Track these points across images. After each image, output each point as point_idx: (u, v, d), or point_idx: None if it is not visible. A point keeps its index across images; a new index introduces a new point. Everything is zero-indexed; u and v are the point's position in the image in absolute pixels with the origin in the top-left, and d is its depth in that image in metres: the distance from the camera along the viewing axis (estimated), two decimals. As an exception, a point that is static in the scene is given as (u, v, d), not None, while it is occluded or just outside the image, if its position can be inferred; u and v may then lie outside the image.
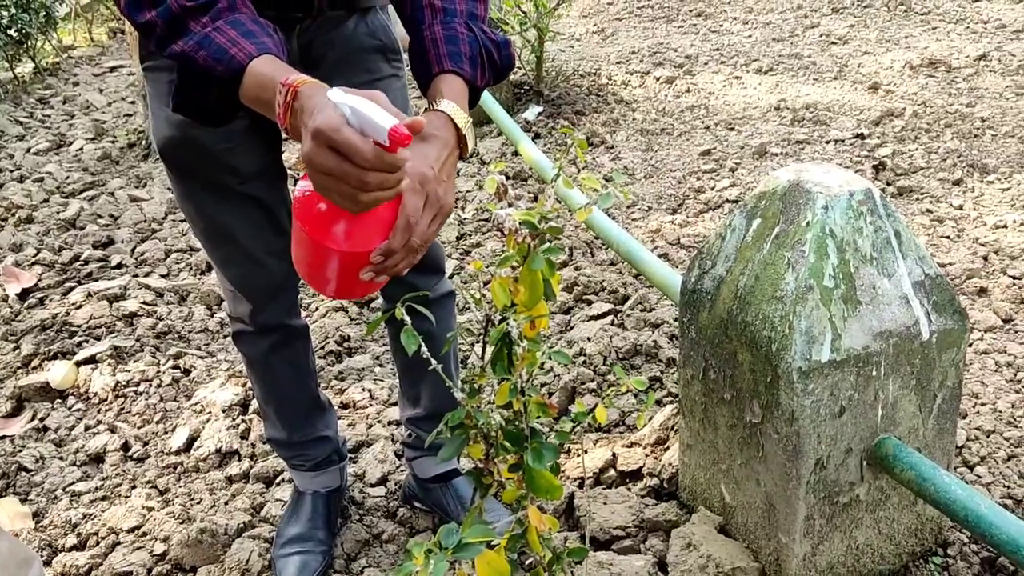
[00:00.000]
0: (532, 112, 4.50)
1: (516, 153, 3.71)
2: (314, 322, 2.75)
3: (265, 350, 1.70)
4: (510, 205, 0.90)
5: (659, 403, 2.23)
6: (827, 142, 3.79)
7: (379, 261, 1.10)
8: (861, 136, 3.80)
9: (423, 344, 1.03)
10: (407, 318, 1.02)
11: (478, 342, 0.96)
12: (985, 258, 2.74)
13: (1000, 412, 2.04)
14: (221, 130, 1.37)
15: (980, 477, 1.85)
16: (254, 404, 2.30)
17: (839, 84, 4.56)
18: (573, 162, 0.94)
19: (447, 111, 1.19)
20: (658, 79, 4.89)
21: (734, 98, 4.53)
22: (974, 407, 2.06)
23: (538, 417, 0.97)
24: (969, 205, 3.13)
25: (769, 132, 3.99)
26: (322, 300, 2.88)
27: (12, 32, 5.61)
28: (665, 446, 2.03)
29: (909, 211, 3.13)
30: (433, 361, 1.03)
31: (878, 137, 3.79)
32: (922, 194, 3.25)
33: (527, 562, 1.19)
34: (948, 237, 2.91)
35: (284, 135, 1.15)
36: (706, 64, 5.12)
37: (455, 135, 1.19)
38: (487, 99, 3.96)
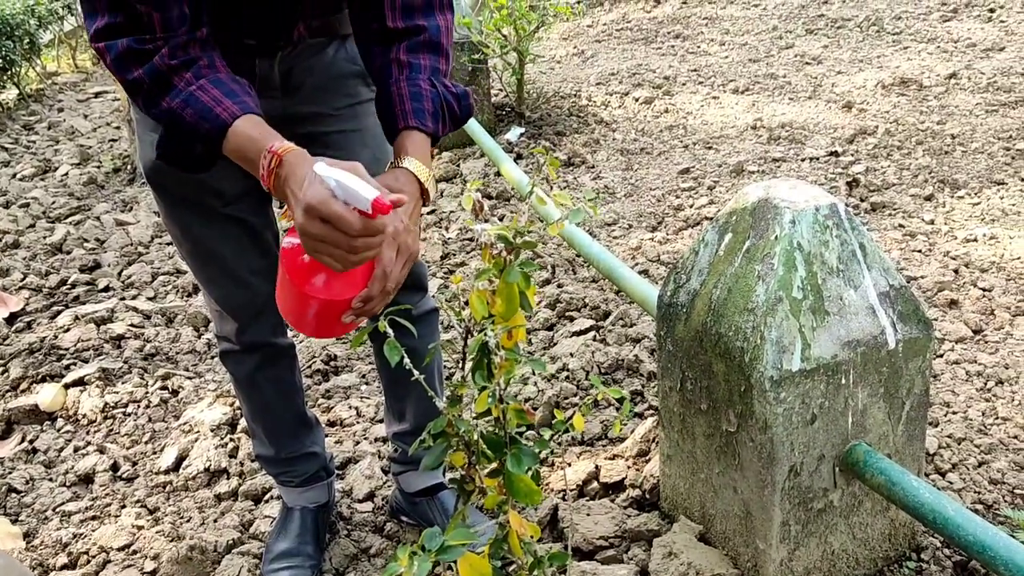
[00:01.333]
0: (514, 133, 4.57)
1: (498, 174, 3.77)
2: (300, 341, 2.79)
3: (251, 368, 1.73)
4: (486, 221, 0.95)
5: (640, 416, 2.28)
6: (802, 160, 3.87)
7: (359, 307, 1.25)
8: (835, 154, 3.89)
9: (406, 356, 1.08)
10: (390, 331, 1.06)
11: (459, 353, 1.01)
12: (956, 271, 2.81)
13: (971, 420, 2.10)
14: None
15: (952, 483, 1.90)
16: (242, 423, 2.33)
17: (814, 103, 4.66)
18: (546, 179, 0.98)
19: (411, 168, 1.33)
20: (637, 100, 4.98)
21: (712, 118, 4.62)
22: (945, 415, 2.12)
23: (518, 426, 1.02)
24: (940, 220, 3.21)
25: (746, 151, 4.07)
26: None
27: (-3, 59, 5.65)
28: (646, 458, 2.07)
29: (882, 226, 3.21)
30: (416, 372, 1.08)
31: (852, 154, 3.88)
32: (895, 209, 3.33)
33: (510, 568, 1.23)
34: (920, 251, 2.99)
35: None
36: (684, 84, 5.21)
37: (419, 189, 1.33)
38: (470, 122, 4.02)
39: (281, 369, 1.77)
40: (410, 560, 0.92)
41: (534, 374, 2.50)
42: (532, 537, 1.14)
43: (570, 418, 1.15)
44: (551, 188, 1.02)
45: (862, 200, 3.43)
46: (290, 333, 1.85)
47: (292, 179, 1.18)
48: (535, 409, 2.36)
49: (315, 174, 1.14)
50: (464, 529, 0.98)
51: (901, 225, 3.19)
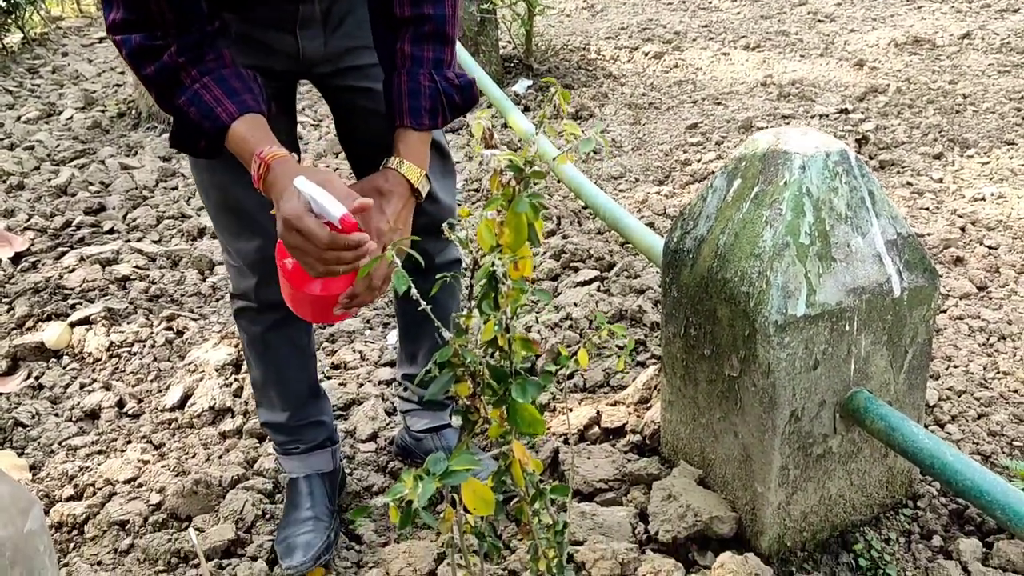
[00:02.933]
0: (522, 85, 4.53)
1: (506, 125, 3.75)
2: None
3: (266, 327, 1.71)
4: (495, 148, 0.95)
5: (642, 365, 2.29)
6: (812, 117, 3.84)
7: (345, 302, 1.36)
8: (845, 111, 3.86)
9: (413, 287, 1.08)
10: (397, 261, 1.06)
11: (465, 276, 1.01)
12: (963, 229, 2.80)
13: (972, 374, 2.11)
14: None
15: (951, 434, 1.92)
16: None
17: (825, 61, 4.61)
18: (557, 110, 0.97)
19: (402, 170, 1.40)
20: (647, 54, 4.93)
21: (721, 74, 4.58)
22: (947, 369, 2.13)
23: (524, 357, 1.02)
24: (949, 178, 3.19)
25: (755, 107, 4.04)
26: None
27: (0, 3, 5.58)
28: (648, 405, 2.09)
29: (890, 184, 3.20)
30: (422, 302, 1.08)
31: (862, 112, 3.84)
32: (903, 167, 3.31)
33: (512, 502, 1.25)
34: (927, 209, 2.98)
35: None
36: (694, 40, 5.15)
37: (408, 189, 1.41)
38: (478, 73, 3.99)
39: (296, 331, 1.74)
40: (415, 483, 0.93)
41: (537, 322, 2.51)
42: (534, 471, 1.16)
43: (574, 353, 1.15)
44: (560, 119, 1.01)
45: (871, 158, 3.41)
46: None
47: (275, 189, 1.28)
48: (537, 357, 2.38)
49: (294, 188, 1.24)
50: (468, 455, 0.99)
51: (909, 183, 3.18)
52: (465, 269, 1.08)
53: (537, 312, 2.56)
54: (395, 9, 1.42)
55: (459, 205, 3.32)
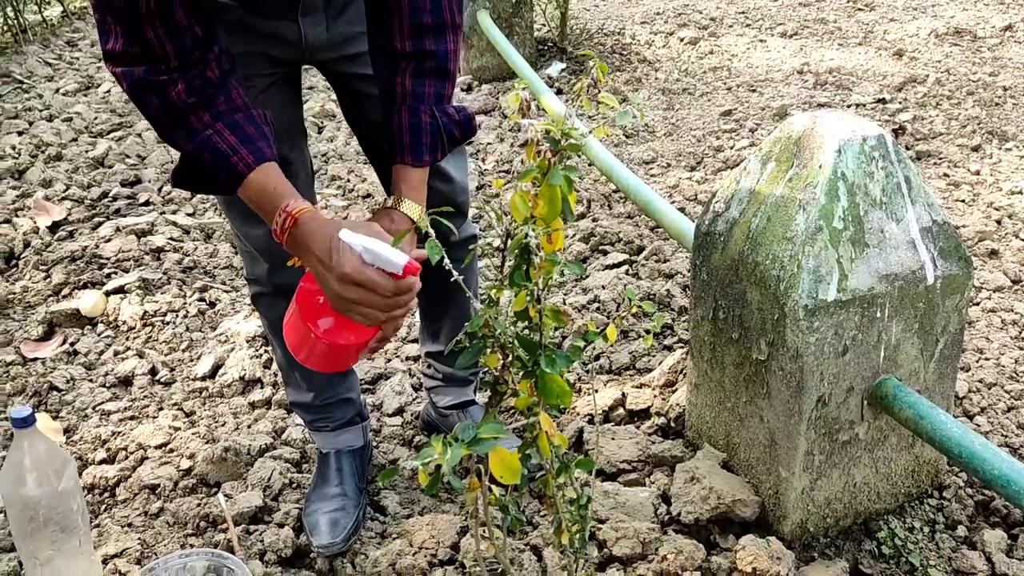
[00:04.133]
0: (555, 68, 4.52)
1: (539, 107, 3.74)
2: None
3: (284, 312, 1.71)
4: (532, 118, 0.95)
5: (669, 349, 2.29)
6: (848, 106, 3.80)
7: (376, 345, 1.37)
8: (883, 101, 3.81)
9: (446, 257, 1.09)
10: (431, 231, 1.08)
11: (496, 255, 1.02)
12: (998, 222, 2.77)
13: (1003, 367, 2.09)
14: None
15: (979, 426, 1.90)
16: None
17: (864, 50, 4.55)
18: (594, 82, 0.97)
19: (406, 211, 1.41)
20: (682, 40, 4.89)
21: (757, 61, 4.54)
22: (978, 361, 2.11)
23: (555, 328, 1.03)
24: (986, 171, 3.15)
25: (791, 95, 4.00)
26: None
27: (42, -26, 5.65)
28: (673, 388, 2.09)
29: (926, 175, 3.16)
30: (455, 272, 1.10)
31: (900, 102, 3.80)
32: (940, 159, 3.27)
33: (537, 475, 1.26)
34: (963, 201, 2.94)
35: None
36: (731, 27, 5.11)
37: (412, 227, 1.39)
38: (512, 54, 3.99)
39: None
40: (443, 448, 0.94)
41: (564, 303, 2.52)
42: (560, 445, 1.17)
43: (603, 329, 1.16)
44: (598, 91, 1.00)
45: (907, 148, 3.37)
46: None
47: (313, 243, 1.27)
48: (564, 339, 2.38)
49: (342, 241, 1.24)
50: (496, 424, 1.00)
51: (946, 174, 3.14)
52: (489, 244, 1.08)
53: (565, 294, 2.57)
54: (395, 43, 1.39)
55: (490, 186, 3.33)
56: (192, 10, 1.26)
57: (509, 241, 1.02)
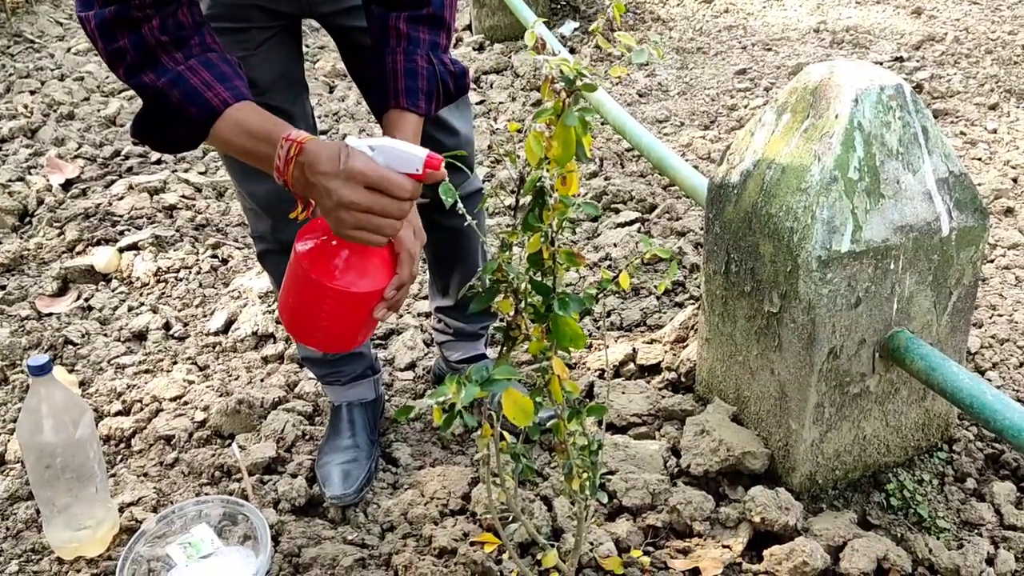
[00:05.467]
0: (568, 27, 4.47)
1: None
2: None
3: None
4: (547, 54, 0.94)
5: (680, 306, 2.29)
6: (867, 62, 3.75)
7: (392, 295, 1.22)
8: (900, 59, 3.76)
9: (459, 201, 1.09)
10: (444, 173, 1.08)
11: (510, 195, 1.02)
12: (1015, 180, 2.74)
13: (1016, 323, 2.08)
14: (238, 39, 1.42)
15: (991, 381, 1.90)
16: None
17: (881, 8, 4.48)
18: (610, 23, 0.95)
19: None
20: (697, -2, 4.83)
21: (773, 19, 4.48)
22: (991, 317, 2.10)
23: (567, 269, 1.03)
24: (1003, 129, 3.11)
25: (807, 53, 3.96)
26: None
27: (51, -67, 5.60)
28: (684, 344, 2.09)
29: (943, 133, 3.12)
30: (468, 217, 1.10)
31: (917, 61, 3.75)
32: (957, 117, 3.23)
33: (548, 423, 1.27)
34: (980, 159, 2.91)
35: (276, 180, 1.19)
36: (747, -15, 5.03)
37: None
38: (525, 13, 3.94)
39: None
40: (458, 387, 0.95)
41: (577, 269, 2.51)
42: (571, 391, 1.17)
43: (616, 276, 1.16)
44: (613, 31, 0.99)
45: (926, 106, 3.33)
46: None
47: (320, 162, 1.13)
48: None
49: (349, 146, 1.12)
50: (509, 367, 1.01)
51: (963, 132, 3.10)
52: (511, 191, 1.07)
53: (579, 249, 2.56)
54: None
55: (501, 145, 3.31)
56: None
57: (523, 184, 1.02)
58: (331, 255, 1.20)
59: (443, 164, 1.11)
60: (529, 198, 1.02)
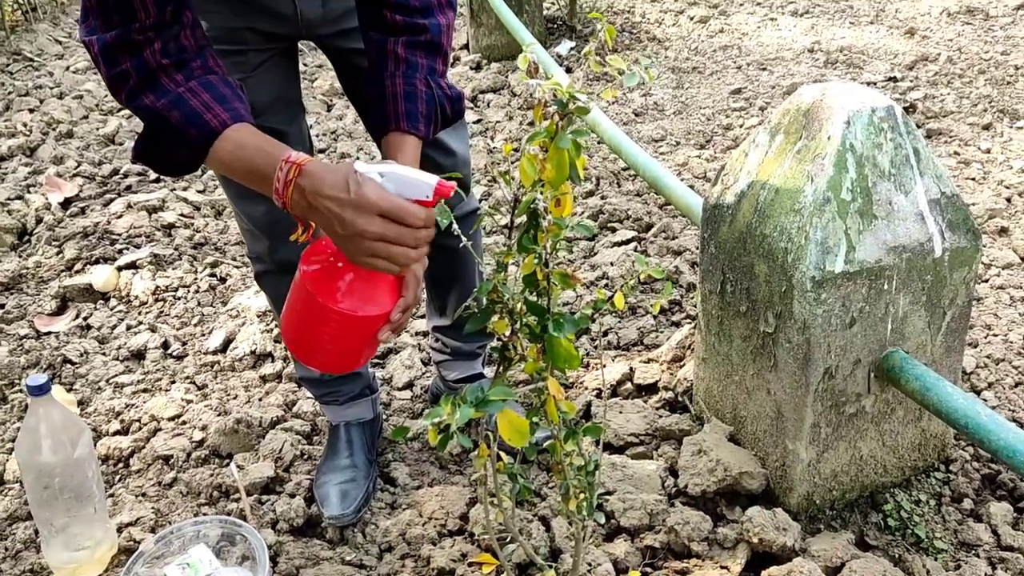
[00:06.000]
0: (564, 47, 4.50)
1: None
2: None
3: (288, 288, 1.71)
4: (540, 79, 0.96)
5: (677, 324, 2.30)
6: (859, 84, 3.78)
7: (398, 317, 1.23)
8: (894, 79, 3.79)
9: (455, 223, 1.10)
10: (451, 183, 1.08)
11: (506, 215, 1.03)
12: (1008, 199, 2.76)
13: (1011, 343, 2.09)
14: (235, 61, 1.43)
15: (987, 401, 1.91)
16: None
17: (875, 28, 4.52)
18: (603, 45, 0.97)
19: None
20: (692, 18, 4.87)
21: (768, 39, 4.51)
22: (986, 337, 2.11)
23: (562, 289, 1.04)
24: (997, 149, 3.14)
25: (801, 73, 3.99)
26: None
27: (51, -47, 5.65)
28: (681, 363, 2.10)
29: (937, 153, 3.15)
30: (463, 238, 1.11)
31: (911, 81, 3.78)
32: (951, 137, 3.26)
33: (544, 443, 1.27)
34: (974, 179, 2.93)
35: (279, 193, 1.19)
36: (741, 5, 5.08)
37: None
38: (521, 32, 3.97)
39: None
40: (453, 408, 0.95)
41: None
42: (568, 411, 1.18)
43: (611, 296, 1.17)
44: (606, 54, 1.00)
45: (918, 126, 3.35)
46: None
47: (324, 185, 1.12)
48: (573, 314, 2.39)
49: (357, 172, 1.10)
50: (504, 387, 1.02)
51: (956, 152, 3.13)
52: (499, 207, 1.08)
53: (573, 270, 2.58)
54: (386, 16, 1.36)
55: (498, 164, 3.33)
56: None
57: (517, 206, 1.03)
58: (336, 277, 1.20)
59: (450, 193, 1.12)
60: (524, 219, 1.03)
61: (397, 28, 1.36)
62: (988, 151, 3.13)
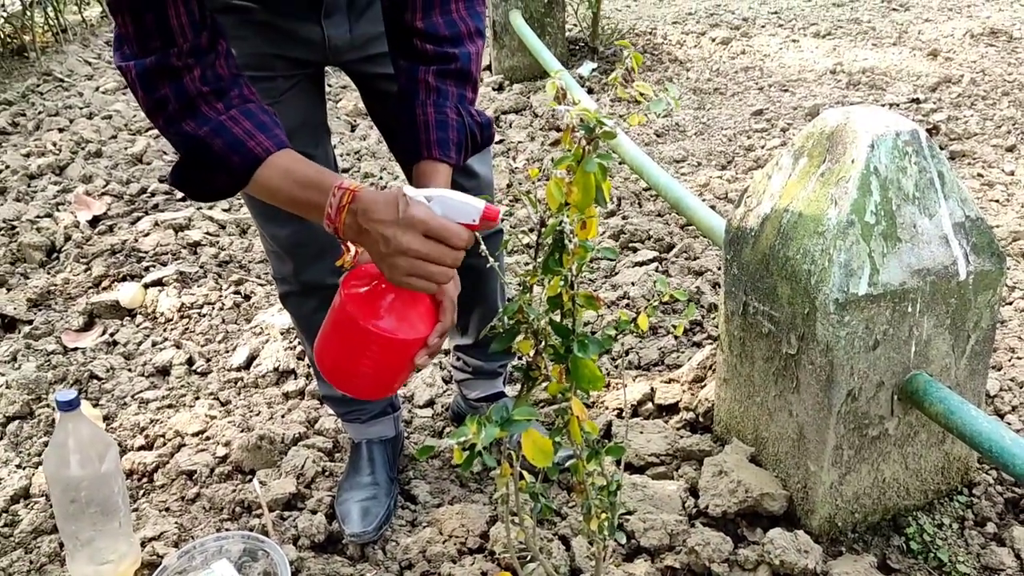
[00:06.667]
0: (586, 68, 4.52)
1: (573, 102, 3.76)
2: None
3: (312, 309, 1.70)
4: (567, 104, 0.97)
5: (698, 345, 2.30)
6: (882, 105, 3.78)
7: (435, 341, 1.26)
8: (917, 101, 3.79)
9: (483, 243, 1.12)
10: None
11: (531, 239, 1.04)
12: (1033, 222, 2.75)
13: (1036, 366, 2.07)
14: (264, 87, 1.44)
15: (1011, 424, 1.90)
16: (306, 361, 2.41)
17: (898, 50, 4.52)
18: (628, 71, 0.98)
19: None
20: (714, 40, 4.89)
21: (790, 61, 4.52)
22: (1010, 360, 2.10)
23: (586, 313, 1.05)
24: (1021, 171, 3.12)
25: (823, 95, 3.99)
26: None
27: (82, -25, 5.77)
28: (702, 384, 2.10)
29: (960, 175, 3.14)
30: (491, 259, 1.12)
31: (934, 103, 3.77)
32: (974, 159, 3.25)
33: (566, 463, 1.28)
34: (997, 201, 2.92)
35: (329, 227, 1.22)
36: (763, 27, 5.10)
37: None
38: (544, 54, 4.01)
39: None
40: (478, 428, 0.96)
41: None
42: (590, 431, 1.19)
43: (635, 317, 1.18)
44: (631, 81, 1.02)
45: (942, 148, 3.35)
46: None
47: (376, 209, 1.16)
48: (593, 333, 2.40)
49: (407, 195, 1.15)
50: (529, 407, 1.03)
51: (980, 174, 3.12)
52: (530, 230, 1.10)
53: (595, 290, 2.58)
54: (416, 45, 1.37)
55: (521, 184, 3.36)
56: (209, 8, 1.23)
57: (543, 228, 1.04)
58: (377, 302, 1.23)
59: (497, 219, 1.15)
60: (549, 241, 1.04)
61: (427, 57, 1.38)
62: (1012, 173, 3.12)
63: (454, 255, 1.17)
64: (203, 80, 1.21)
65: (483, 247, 1.14)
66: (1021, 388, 1.99)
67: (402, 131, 1.41)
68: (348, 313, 1.21)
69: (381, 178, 3.51)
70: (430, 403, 2.16)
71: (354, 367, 1.25)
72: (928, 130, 3.48)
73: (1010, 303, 2.35)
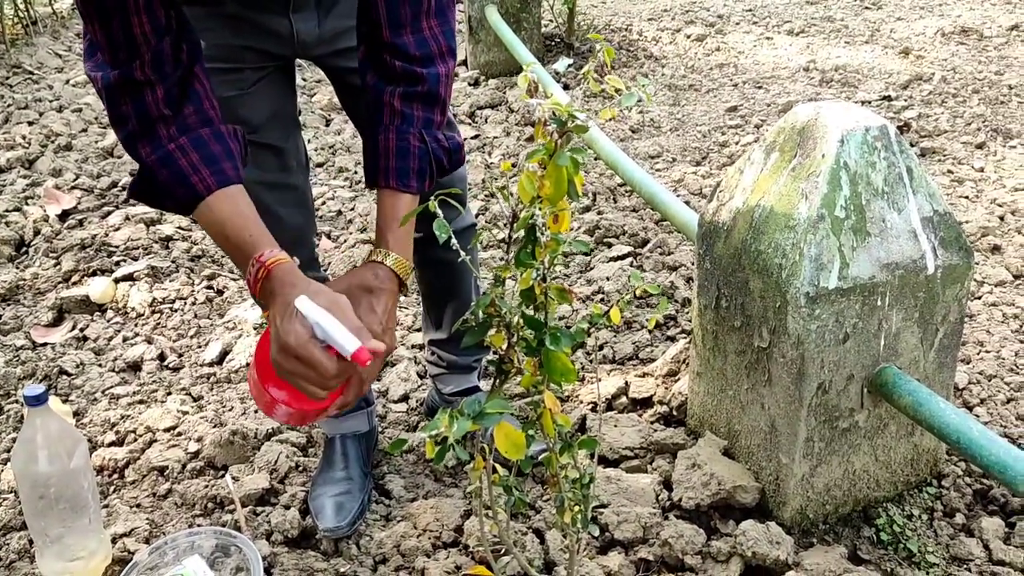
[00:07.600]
0: (562, 64, 4.53)
1: (547, 97, 3.76)
2: (342, 252, 2.84)
3: None
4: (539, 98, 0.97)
5: (672, 339, 2.31)
6: (854, 103, 3.81)
7: (335, 413, 1.30)
8: (888, 98, 3.83)
9: (453, 237, 1.11)
10: (439, 211, 1.10)
11: (505, 234, 1.04)
12: (1001, 218, 2.79)
13: (1003, 359, 2.10)
14: (232, 79, 1.46)
15: (979, 417, 1.92)
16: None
17: (870, 48, 4.57)
18: (601, 66, 0.99)
19: (391, 265, 1.32)
20: (689, 37, 4.91)
21: (764, 58, 4.55)
22: (978, 353, 2.13)
23: (558, 305, 1.05)
24: (990, 168, 3.17)
25: (797, 92, 4.02)
26: (344, 239, 2.96)
27: (52, -34, 5.68)
28: (676, 377, 2.11)
29: (931, 172, 3.17)
30: (462, 253, 1.12)
31: (905, 100, 3.81)
32: (944, 156, 3.29)
33: (539, 456, 1.28)
34: (967, 197, 2.96)
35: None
36: (738, 24, 5.12)
37: (397, 284, 1.34)
38: (519, 49, 4.01)
39: None
40: (450, 421, 0.96)
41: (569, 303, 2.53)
42: (563, 424, 1.19)
43: (608, 310, 1.18)
44: (603, 75, 1.02)
45: (912, 145, 3.38)
46: (324, 271, 1.86)
47: (276, 302, 1.19)
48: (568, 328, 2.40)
49: (295, 309, 1.15)
50: (501, 400, 1.03)
51: (950, 171, 3.15)
52: (504, 224, 1.10)
53: (569, 285, 2.59)
54: (386, 60, 1.35)
55: (495, 180, 3.35)
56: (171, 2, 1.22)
57: (516, 222, 1.04)
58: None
59: (368, 363, 1.12)
60: (522, 234, 1.04)
61: (395, 75, 1.35)
62: (981, 170, 3.16)
63: (323, 382, 1.17)
64: (166, 101, 1.22)
65: (455, 242, 1.14)
66: (989, 381, 2.02)
67: (365, 155, 1.40)
68: (252, 375, 1.25)
69: (355, 172, 3.49)
70: (404, 398, 2.15)
71: (269, 412, 1.28)
72: (899, 127, 3.52)
73: (979, 298, 2.39)
